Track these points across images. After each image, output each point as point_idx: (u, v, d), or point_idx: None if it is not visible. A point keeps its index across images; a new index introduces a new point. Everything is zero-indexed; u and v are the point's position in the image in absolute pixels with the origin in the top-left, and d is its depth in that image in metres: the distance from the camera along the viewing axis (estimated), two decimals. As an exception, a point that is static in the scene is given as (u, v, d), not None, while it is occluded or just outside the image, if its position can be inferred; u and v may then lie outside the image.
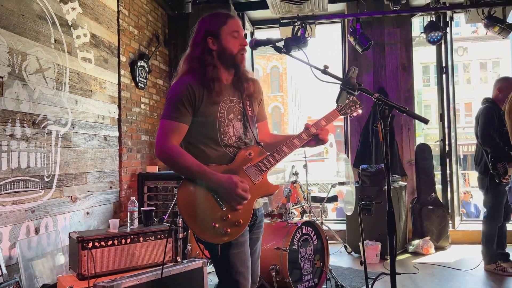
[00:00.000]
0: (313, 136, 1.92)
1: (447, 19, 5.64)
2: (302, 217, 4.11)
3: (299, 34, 5.36)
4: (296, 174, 3.90)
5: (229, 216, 1.74)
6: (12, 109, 2.95)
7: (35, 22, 3.20)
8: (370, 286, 3.53)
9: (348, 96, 1.77)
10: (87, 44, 3.91)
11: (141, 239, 2.81)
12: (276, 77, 32.99)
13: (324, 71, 1.70)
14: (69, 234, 2.79)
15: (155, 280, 2.41)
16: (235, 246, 1.78)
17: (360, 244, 4.74)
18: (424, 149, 5.59)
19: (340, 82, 1.65)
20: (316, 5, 4.58)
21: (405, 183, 5.32)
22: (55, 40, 3.44)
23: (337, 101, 1.78)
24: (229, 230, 1.73)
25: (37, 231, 3.17)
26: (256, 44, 1.82)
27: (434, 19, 5.19)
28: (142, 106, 4.98)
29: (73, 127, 3.65)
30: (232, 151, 1.86)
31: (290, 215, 3.64)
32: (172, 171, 3.06)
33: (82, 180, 3.78)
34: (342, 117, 2.15)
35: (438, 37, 5.03)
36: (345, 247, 5.13)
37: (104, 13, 4.20)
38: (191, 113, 1.81)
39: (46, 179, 3.30)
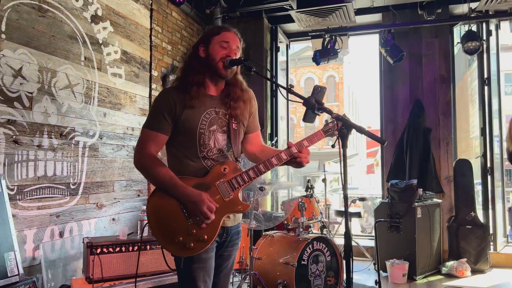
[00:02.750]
0: (293, 158, 1.88)
1: (490, 28, 5.32)
2: (322, 232, 4.05)
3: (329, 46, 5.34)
4: (311, 188, 3.86)
5: (194, 231, 1.78)
6: (40, 121, 3.22)
7: (65, 42, 3.49)
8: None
9: (314, 115, 1.74)
10: (118, 61, 4.17)
11: (148, 247, 2.93)
12: (332, 86, 32.59)
13: (289, 90, 1.70)
14: (83, 239, 2.98)
15: (152, 287, 2.51)
16: (197, 261, 1.81)
17: (386, 262, 4.57)
18: (463, 164, 5.29)
19: (302, 101, 1.64)
20: (343, 17, 4.53)
21: (439, 200, 5.05)
22: (85, 58, 3.72)
23: (303, 120, 1.76)
24: (192, 244, 1.77)
25: (61, 234, 3.42)
26: (231, 63, 1.86)
27: (472, 28, 4.91)
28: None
29: (101, 138, 3.90)
30: (210, 164, 1.88)
31: (303, 230, 3.61)
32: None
33: (109, 188, 4.02)
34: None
35: (476, 48, 4.76)
36: (374, 264, 4.96)
37: (136, 31, 4.46)
38: (170, 123, 1.85)
39: (72, 187, 3.55)
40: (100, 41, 3.93)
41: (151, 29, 4.74)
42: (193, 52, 1.93)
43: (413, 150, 5.33)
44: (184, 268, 1.85)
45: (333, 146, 1.62)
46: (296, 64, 31.11)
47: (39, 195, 3.21)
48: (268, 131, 5.87)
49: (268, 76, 4.79)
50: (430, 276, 4.67)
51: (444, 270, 4.77)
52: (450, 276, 4.68)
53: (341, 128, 1.56)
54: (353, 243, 5.33)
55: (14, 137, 3.01)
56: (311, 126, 32.40)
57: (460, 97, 6.24)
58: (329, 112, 1.60)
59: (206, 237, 1.78)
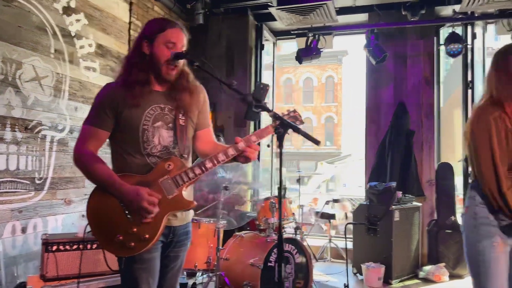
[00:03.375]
0: (241, 153, 1.81)
1: (476, 31, 5.25)
2: (295, 233, 3.98)
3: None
4: (284, 188, 3.79)
5: (135, 229, 1.71)
6: (2, 114, 3.14)
7: (33, 33, 3.40)
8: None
9: (255, 112, 1.67)
10: (92, 54, 4.09)
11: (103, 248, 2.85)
12: (331, 87, 32.51)
13: (230, 86, 1.63)
14: (41, 236, 2.90)
15: (105, 287, 2.44)
16: (139, 262, 1.75)
17: (362, 266, 4.50)
18: (445, 168, 5.23)
19: (241, 97, 1.56)
20: (324, 16, 4.45)
21: (419, 204, 4.99)
22: (55, 50, 3.63)
23: (245, 117, 1.70)
24: (133, 244, 1.70)
25: (24, 230, 3.33)
26: (176, 57, 1.78)
27: (457, 31, 4.84)
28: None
29: (71, 133, 3.81)
30: (155, 161, 1.81)
31: (275, 230, 3.54)
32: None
33: (79, 184, 3.94)
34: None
35: (459, 50, 4.70)
36: (353, 267, 4.90)
37: (113, 25, 4.38)
38: (112, 119, 1.79)
39: (38, 181, 3.47)
40: (73, 34, 3.84)
41: (130, 23, 4.66)
42: (136, 47, 1.85)
43: (395, 152, 5.27)
44: (126, 269, 1.79)
45: (268, 146, 1.55)
46: (295, 63, 30.94)
47: (0, 189, 3.13)
48: (251, 129, 5.79)
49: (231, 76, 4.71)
50: (407, 280, 4.61)
51: (421, 274, 4.71)
52: (427, 280, 4.61)
53: (277, 127, 1.48)
54: (332, 245, 5.29)
55: (-28, 129, 2.93)
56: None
57: (445, 100, 6.18)
58: (267, 110, 1.52)
59: (147, 236, 1.71)
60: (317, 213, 5.16)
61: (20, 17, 3.28)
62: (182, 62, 1.86)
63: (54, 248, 2.71)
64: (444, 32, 5.28)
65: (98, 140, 1.80)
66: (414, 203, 4.92)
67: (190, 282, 4.17)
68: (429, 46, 5.41)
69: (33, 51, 3.41)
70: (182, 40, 1.85)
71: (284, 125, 1.49)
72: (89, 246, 2.82)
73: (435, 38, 5.45)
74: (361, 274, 4.65)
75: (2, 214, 3.15)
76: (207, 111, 2.02)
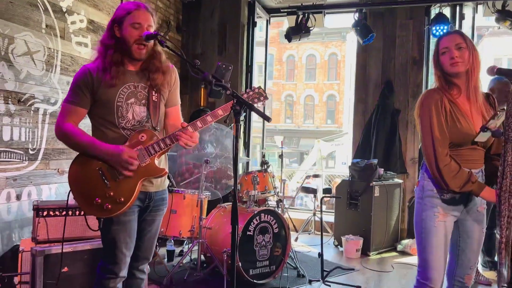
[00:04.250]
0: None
1: (464, 12, 5.30)
2: (278, 206, 4.18)
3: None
4: (266, 163, 3.97)
5: (112, 193, 1.90)
6: (-4, 87, 3.30)
7: (24, 8, 3.52)
8: (324, 276, 3.59)
9: (218, 91, 1.82)
10: (84, 29, 4.20)
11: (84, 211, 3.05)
12: (334, 64, 32.27)
13: (193, 66, 1.77)
14: (33, 202, 3.10)
15: (90, 249, 2.66)
16: (116, 223, 1.95)
17: (342, 238, 4.73)
18: (429, 147, 5.37)
19: (201, 76, 1.71)
20: (310, -5, 4.52)
21: (400, 181, 5.17)
22: (46, 26, 3.75)
23: (209, 96, 1.85)
24: (109, 206, 1.90)
25: (18, 197, 3.54)
26: (146, 38, 1.91)
27: (442, 12, 4.91)
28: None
29: (63, 106, 3.97)
30: (130, 133, 1.99)
31: (258, 203, 3.74)
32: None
33: (71, 155, 4.07)
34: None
35: (445, 31, 4.77)
36: (334, 239, 5.13)
37: (105, 0, 4.47)
38: (89, 97, 1.97)
39: (31, 152, 3.65)
40: (64, 9, 3.95)
41: (121, -1, 4.74)
42: (109, 31, 2.00)
43: (380, 130, 5.41)
44: (104, 229, 1.99)
45: (225, 121, 1.70)
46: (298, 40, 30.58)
47: (-5, 158, 3.32)
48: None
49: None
50: (385, 253, 4.84)
51: (399, 247, 4.94)
52: (404, 253, 4.84)
53: (234, 105, 1.64)
54: (317, 218, 5.51)
55: (-33, 101, 3.09)
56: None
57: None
58: (225, 88, 1.67)
59: (123, 199, 1.91)
60: (301, 187, 5.35)
61: (11, -7, 3.39)
62: (151, 42, 1.99)
63: (45, 213, 2.91)
64: (433, 13, 5.33)
65: (76, 116, 1.98)
66: (396, 180, 5.11)
67: (178, 249, 4.41)
68: (418, 26, 5.47)
69: (25, 26, 3.53)
70: (147, 20, 1.96)
71: (240, 103, 1.64)
72: (77, 212, 3.01)
73: (426, 18, 5.51)
74: (341, 246, 4.88)
75: (-3, 181, 3.35)
76: (177, 90, 2.20)
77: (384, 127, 5.40)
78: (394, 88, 5.51)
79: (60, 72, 3.93)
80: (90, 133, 2.06)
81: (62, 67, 3.95)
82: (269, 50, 6.24)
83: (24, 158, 3.58)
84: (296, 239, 5.23)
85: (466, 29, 5.38)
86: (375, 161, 4.81)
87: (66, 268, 2.61)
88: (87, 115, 2.06)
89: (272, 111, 30.42)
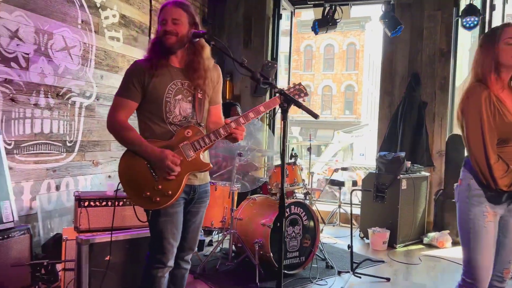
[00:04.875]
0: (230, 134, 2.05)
1: (494, 2, 5.20)
2: (305, 198, 4.24)
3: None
4: (295, 156, 4.01)
5: (160, 187, 1.98)
6: (36, 81, 3.42)
7: (62, 5, 3.62)
8: (353, 268, 3.64)
9: (263, 88, 1.87)
10: (116, 24, 4.30)
11: (132, 203, 3.16)
12: (352, 54, 31.92)
13: (241, 64, 1.83)
14: (74, 192, 3.23)
15: (131, 239, 2.77)
16: (164, 215, 2.03)
17: (368, 230, 4.77)
18: (456, 139, 5.34)
19: (250, 74, 1.76)
20: (340, -13, 4.51)
21: (427, 174, 5.16)
22: (82, 21, 3.86)
23: (254, 93, 1.90)
24: (158, 199, 1.98)
25: (57, 188, 3.69)
26: (194, 35, 1.98)
27: (472, 3, 4.83)
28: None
29: (97, 99, 4.09)
30: (176, 129, 2.07)
31: (287, 195, 3.79)
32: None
33: (105, 147, 4.25)
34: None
35: (475, 23, 4.71)
36: (360, 231, 5.17)
37: (135, -5, 4.55)
38: (140, 92, 2.04)
39: (68, 144, 3.79)
40: (98, 5, 4.05)
41: (151, -7, 4.81)
42: (156, 30, 2.10)
43: (406, 123, 5.39)
44: (152, 221, 2.08)
45: (272, 118, 1.75)
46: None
47: (36, 150, 3.46)
48: (267, 98, 5.98)
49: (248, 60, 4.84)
50: (411, 245, 4.86)
51: (426, 240, 4.94)
52: (431, 246, 4.85)
53: (282, 103, 1.69)
54: (342, 211, 5.55)
55: (11, 95, 3.21)
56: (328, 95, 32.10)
57: (464, 74, 6.17)
58: (273, 86, 1.72)
59: (170, 192, 1.99)
60: (327, 180, 5.39)
61: (50, -10, 3.50)
62: (180, 32, 2.02)
63: (86, 204, 3.02)
64: (463, 4, 5.25)
65: (128, 110, 2.06)
66: (423, 173, 5.10)
67: (207, 239, 4.52)
68: (446, 17, 5.40)
69: (62, 22, 3.64)
70: (171, 13, 2.02)
71: (288, 100, 1.69)
72: (117, 203, 3.12)
73: (454, 9, 5.43)
74: (367, 238, 4.91)
75: (38, 172, 3.49)
76: (220, 89, 2.27)
77: (411, 120, 5.37)
78: (421, 80, 5.46)
79: (95, 66, 4.04)
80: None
81: (96, 61, 4.06)
82: (286, 39, 6.24)
83: (62, 150, 3.72)
84: (321, 231, 5.27)
85: (497, 20, 5.30)
86: (403, 154, 4.81)
87: (108, 256, 2.72)
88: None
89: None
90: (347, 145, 15.55)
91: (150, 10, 4.81)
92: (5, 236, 2.89)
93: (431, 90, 5.46)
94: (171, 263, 2.09)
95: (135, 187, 2.01)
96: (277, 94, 1.74)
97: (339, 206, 5.48)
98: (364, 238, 5.03)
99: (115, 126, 2.04)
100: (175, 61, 2.11)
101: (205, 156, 2.15)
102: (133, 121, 2.13)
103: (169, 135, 2.06)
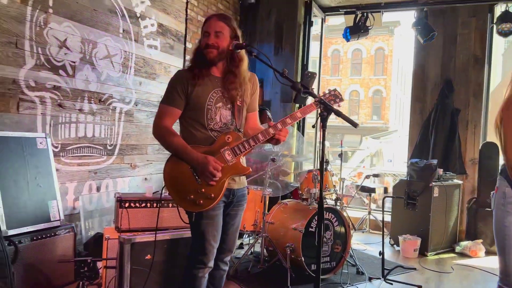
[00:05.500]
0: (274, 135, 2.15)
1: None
2: (335, 204, 4.28)
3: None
4: (326, 162, 4.07)
5: (203, 190, 2.09)
6: (81, 88, 3.62)
7: (105, 15, 3.82)
8: (385, 275, 3.66)
9: (303, 97, 1.95)
10: (154, 33, 4.48)
11: (170, 205, 3.29)
12: (381, 59, 31.58)
13: (282, 74, 1.91)
14: (115, 194, 3.39)
15: (169, 239, 2.90)
16: (206, 217, 2.14)
17: (399, 237, 4.75)
18: (490, 147, 5.26)
19: (291, 84, 1.84)
20: (372, -5, 4.55)
21: (460, 182, 5.10)
22: (123, 30, 4.05)
23: (294, 101, 1.99)
24: (201, 201, 2.08)
25: (98, 189, 3.87)
26: (235, 47, 2.09)
27: (508, 10, 4.77)
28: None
29: (136, 105, 4.27)
30: (216, 134, 2.18)
31: (316, 200, 3.85)
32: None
33: (142, 151, 4.42)
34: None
35: (510, 30, 4.64)
36: (390, 238, 5.15)
37: (172, 4, 4.73)
38: (183, 100, 2.17)
39: (109, 147, 3.97)
40: (138, 15, 4.24)
41: (187, 2, 4.98)
42: (199, 41, 2.22)
43: (438, 130, 5.35)
44: (195, 223, 2.17)
45: (313, 126, 1.83)
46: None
47: (80, 153, 3.65)
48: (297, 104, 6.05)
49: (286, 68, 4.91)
50: (443, 253, 4.81)
51: (458, 249, 4.88)
52: (463, 255, 4.79)
53: (322, 112, 1.76)
54: (371, 217, 5.55)
55: (59, 101, 3.42)
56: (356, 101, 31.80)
57: (497, 80, 6.08)
58: (313, 95, 1.80)
59: (213, 195, 2.09)
60: (357, 186, 5.40)
61: (95, 2, 3.70)
62: (221, 46, 2.14)
63: (126, 205, 3.17)
64: (498, 10, 5.18)
65: (173, 117, 2.18)
66: (455, 180, 5.04)
67: (238, 242, 4.62)
68: (481, 24, 5.34)
69: (105, 31, 3.84)
70: (214, 26, 2.15)
71: (328, 109, 1.77)
72: (155, 204, 3.26)
73: (489, 15, 5.37)
74: (397, 245, 4.89)
75: (81, 174, 3.68)
76: (257, 97, 2.38)
77: (443, 127, 5.33)
78: (454, 87, 5.42)
79: (134, 74, 4.22)
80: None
81: (136, 68, 4.24)
82: (315, 45, 6.30)
83: (103, 153, 3.90)
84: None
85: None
86: (435, 161, 4.78)
87: (149, 255, 2.86)
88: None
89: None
90: (376, 151, 15.38)
91: (186, 19, 4.98)
92: (52, 234, 3.08)
93: (464, 97, 5.41)
94: (211, 263, 2.19)
95: (179, 190, 2.11)
96: (313, 101, 1.82)
97: (369, 213, 5.48)
98: (395, 245, 5.01)
99: (161, 132, 2.16)
100: (215, 71, 2.22)
101: (243, 161, 2.24)
102: (175, 126, 2.25)
103: (210, 141, 2.17)
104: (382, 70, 31.45)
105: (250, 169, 2.19)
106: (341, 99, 2.22)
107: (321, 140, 1.75)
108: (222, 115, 2.20)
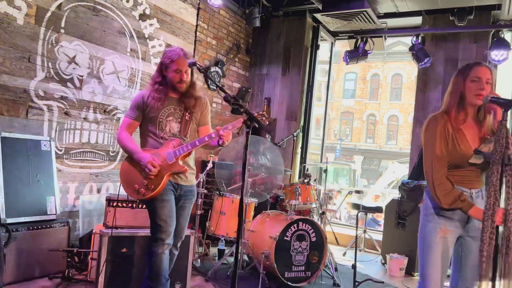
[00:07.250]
0: (219, 137, 2.52)
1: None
2: (320, 218, 4.46)
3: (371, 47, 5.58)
4: (308, 176, 4.28)
5: (146, 182, 2.56)
6: (88, 99, 4.07)
7: (114, 36, 4.30)
8: (355, 286, 3.79)
9: (235, 108, 2.23)
10: (161, 52, 4.92)
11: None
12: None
13: (219, 87, 2.22)
14: (107, 194, 3.77)
15: (144, 236, 3.21)
16: (160, 201, 2.59)
17: (386, 256, 4.82)
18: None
19: (224, 96, 2.14)
20: (365, 21, 4.79)
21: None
22: (131, 49, 4.51)
23: (231, 112, 2.26)
24: (143, 191, 2.56)
25: (99, 191, 4.28)
26: (189, 65, 2.45)
27: (502, 37, 4.85)
28: (214, 105, 5.85)
29: (140, 117, 4.69)
30: (164, 141, 2.67)
31: (302, 213, 4.06)
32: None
33: (144, 159, 4.81)
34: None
35: (504, 57, 4.71)
36: (382, 257, 5.22)
37: (181, 27, 5.18)
38: (141, 115, 2.69)
39: (111, 154, 4.39)
40: (146, 36, 4.70)
41: (196, 25, 5.42)
42: (158, 70, 2.70)
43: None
44: (152, 207, 2.64)
45: (238, 133, 2.11)
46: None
47: (83, 157, 4.08)
48: (301, 123, 6.30)
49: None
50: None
51: (448, 271, 4.87)
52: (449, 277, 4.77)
53: (246, 121, 2.05)
54: (367, 236, 5.63)
55: (65, 109, 3.88)
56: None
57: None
58: (241, 106, 2.09)
59: (153, 187, 2.55)
60: (355, 205, 5.53)
61: (105, 24, 4.18)
62: (189, 77, 2.67)
63: (114, 204, 3.54)
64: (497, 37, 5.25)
65: (131, 127, 2.72)
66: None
67: (227, 250, 4.86)
68: (482, 50, 5.42)
69: (113, 50, 4.30)
70: (184, 66, 2.60)
71: (251, 119, 2.05)
72: (140, 206, 3.60)
73: (490, 41, 5.44)
74: (386, 264, 4.95)
75: (83, 176, 4.10)
76: (208, 114, 2.87)
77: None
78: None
79: (139, 88, 4.66)
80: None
81: (141, 83, 4.68)
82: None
83: (105, 158, 4.32)
84: (344, 254, 5.41)
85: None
86: (424, 182, 4.84)
87: (125, 249, 3.18)
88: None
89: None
90: (403, 175, 15.19)
91: (195, 41, 5.41)
92: (47, 226, 3.48)
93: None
94: (169, 240, 2.61)
95: (128, 181, 2.62)
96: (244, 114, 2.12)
97: (364, 232, 5.56)
98: (385, 264, 5.07)
99: (120, 138, 2.69)
100: (172, 93, 2.71)
101: (188, 162, 2.71)
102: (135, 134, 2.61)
103: (159, 146, 2.66)
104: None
105: (185, 168, 2.62)
106: (267, 118, 2.56)
107: (245, 145, 2.01)
108: (171, 126, 2.69)
